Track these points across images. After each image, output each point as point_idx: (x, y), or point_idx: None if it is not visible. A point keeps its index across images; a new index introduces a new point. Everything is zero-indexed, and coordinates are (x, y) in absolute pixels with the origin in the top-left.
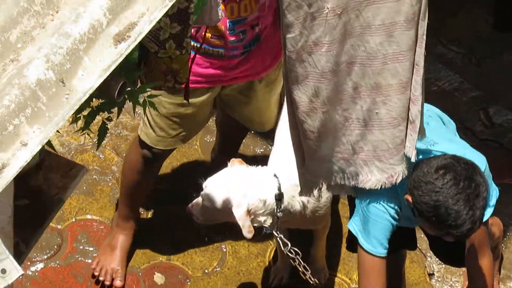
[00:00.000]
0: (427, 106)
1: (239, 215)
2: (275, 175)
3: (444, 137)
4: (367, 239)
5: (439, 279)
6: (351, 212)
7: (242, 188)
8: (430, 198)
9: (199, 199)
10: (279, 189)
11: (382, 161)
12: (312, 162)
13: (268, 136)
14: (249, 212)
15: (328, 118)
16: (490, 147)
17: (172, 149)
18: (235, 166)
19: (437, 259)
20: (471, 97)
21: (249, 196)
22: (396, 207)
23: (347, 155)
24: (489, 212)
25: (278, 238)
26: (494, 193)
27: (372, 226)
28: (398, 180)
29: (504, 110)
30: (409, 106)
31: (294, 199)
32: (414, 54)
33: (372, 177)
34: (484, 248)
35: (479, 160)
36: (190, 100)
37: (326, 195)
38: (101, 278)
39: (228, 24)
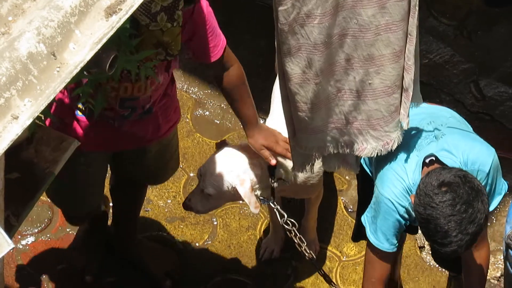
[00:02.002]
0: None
1: (245, 192)
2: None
3: (453, 129)
4: (374, 234)
5: (430, 252)
6: (360, 201)
7: (240, 165)
8: (424, 211)
9: (194, 191)
10: None
11: (377, 129)
12: (304, 135)
13: (260, 109)
14: (252, 187)
15: (321, 89)
16: (481, 119)
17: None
18: (224, 148)
19: None
20: (462, 70)
21: (248, 171)
22: (407, 206)
23: (340, 125)
24: (493, 204)
25: (275, 209)
26: (503, 186)
27: (381, 222)
28: (394, 147)
29: (495, 83)
30: (403, 75)
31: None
32: (407, 24)
33: (367, 145)
34: (483, 240)
35: (488, 152)
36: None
37: (318, 165)
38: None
39: (118, 101)
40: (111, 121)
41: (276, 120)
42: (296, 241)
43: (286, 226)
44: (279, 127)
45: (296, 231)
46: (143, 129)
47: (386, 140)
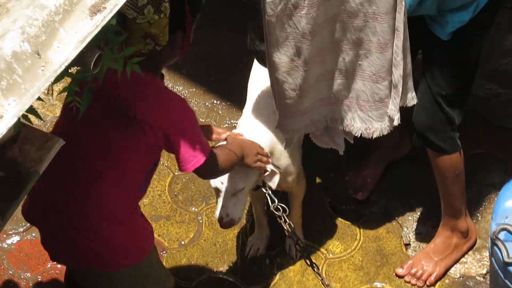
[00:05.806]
0: None
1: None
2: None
3: None
4: None
5: (415, 249)
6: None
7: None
8: None
9: (225, 203)
10: None
11: (363, 111)
12: (290, 120)
13: (242, 108)
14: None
15: (310, 74)
16: (467, 116)
17: None
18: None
19: (413, 229)
20: None
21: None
22: None
23: (330, 102)
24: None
25: (266, 194)
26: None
27: None
28: (375, 135)
29: (481, 80)
30: (391, 70)
31: None
32: (394, 19)
33: (354, 124)
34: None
35: None
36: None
37: (285, 156)
38: None
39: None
40: None
41: (249, 113)
42: (285, 227)
43: (276, 212)
44: (252, 119)
45: (285, 217)
46: None
47: (368, 125)
